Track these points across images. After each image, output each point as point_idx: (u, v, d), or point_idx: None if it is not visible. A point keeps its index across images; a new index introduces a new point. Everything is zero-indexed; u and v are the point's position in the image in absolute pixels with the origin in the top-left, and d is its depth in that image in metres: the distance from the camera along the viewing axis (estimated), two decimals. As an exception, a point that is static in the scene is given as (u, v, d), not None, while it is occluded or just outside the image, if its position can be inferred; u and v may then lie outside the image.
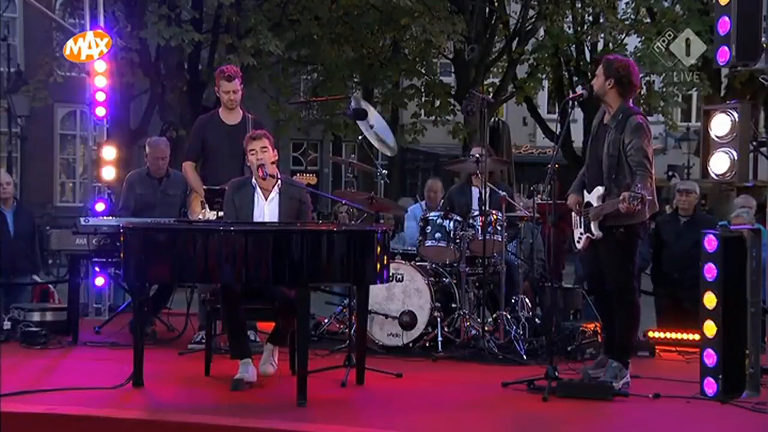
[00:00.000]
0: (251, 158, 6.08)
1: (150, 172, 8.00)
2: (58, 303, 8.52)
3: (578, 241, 6.15)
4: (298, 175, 7.08)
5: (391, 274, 6.34)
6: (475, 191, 7.89)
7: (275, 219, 6.10)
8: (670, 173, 26.18)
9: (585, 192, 6.10)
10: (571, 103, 6.36)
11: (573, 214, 6.20)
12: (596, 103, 6.28)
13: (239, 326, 5.89)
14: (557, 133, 6.31)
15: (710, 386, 5.49)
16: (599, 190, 5.96)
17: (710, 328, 5.37)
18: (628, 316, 6.02)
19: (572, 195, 6.18)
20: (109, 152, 9.06)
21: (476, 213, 7.49)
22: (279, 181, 6.15)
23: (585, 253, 6.20)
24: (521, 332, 7.27)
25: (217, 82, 7.29)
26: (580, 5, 19.10)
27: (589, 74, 19.23)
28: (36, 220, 9.64)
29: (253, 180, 6.17)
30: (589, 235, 6.00)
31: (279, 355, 6.07)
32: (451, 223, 7.42)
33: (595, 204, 5.98)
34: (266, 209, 6.14)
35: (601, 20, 18.87)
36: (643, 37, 17.97)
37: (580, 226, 6.10)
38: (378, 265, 5.60)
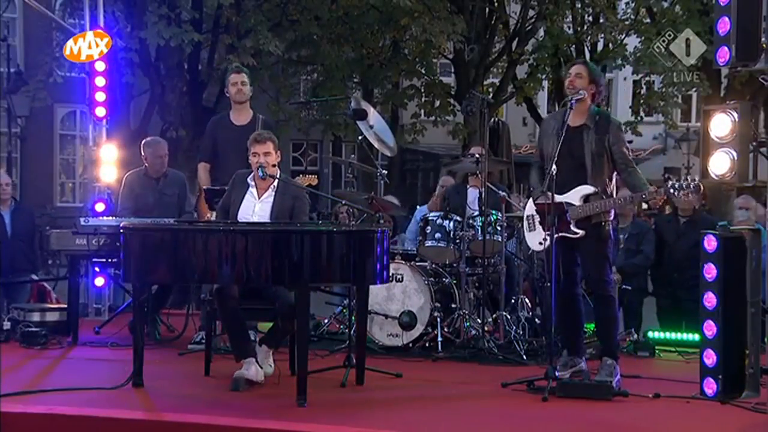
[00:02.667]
0: (252, 159, 6.09)
1: (147, 172, 8.00)
2: (55, 302, 8.52)
3: (540, 243, 6.09)
4: (300, 176, 7.09)
5: (391, 274, 6.34)
6: (471, 191, 7.89)
7: (266, 218, 6.09)
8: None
9: (548, 194, 6.00)
10: (570, 103, 6.34)
11: (529, 217, 6.28)
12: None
13: (238, 326, 5.88)
14: (557, 133, 6.31)
15: (710, 386, 5.50)
16: (586, 188, 6.03)
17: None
18: (610, 310, 6.17)
19: (541, 199, 6.09)
20: (109, 152, 9.06)
21: (475, 213, 7.49)
22: (276, 181, 6.16)
23: (559, 254, 6.19)
24: (521, 332, 7.26)
25: (227, 76, 7.46)
26: (580, 5, 19.10)
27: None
28: (36, 220, 9.65)
29: (250, 178, 6.17)
30: (569, 235, 6.02)
31: (279, 355, 6.07)
32: (451, 224, 7.42)
33: (576, 203, 6.03)
34: (257, 207, 6.14)
35: (601, 20, 18.88)
36: (643, 37, 17.98)
37: (545, 229, 6.03)
38: (378, 265, 5.60)
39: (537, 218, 6.22)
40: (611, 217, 6.17)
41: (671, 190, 5.86)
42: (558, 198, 5.98)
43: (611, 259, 6.26)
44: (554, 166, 5.80)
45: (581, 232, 6.04)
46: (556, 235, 5.94)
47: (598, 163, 6.04)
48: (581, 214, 6.03)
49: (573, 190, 6.05)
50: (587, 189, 6.04)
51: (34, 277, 9.04)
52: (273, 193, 6.17)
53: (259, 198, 6.18)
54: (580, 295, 6.35)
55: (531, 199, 6.35)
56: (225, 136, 7.34)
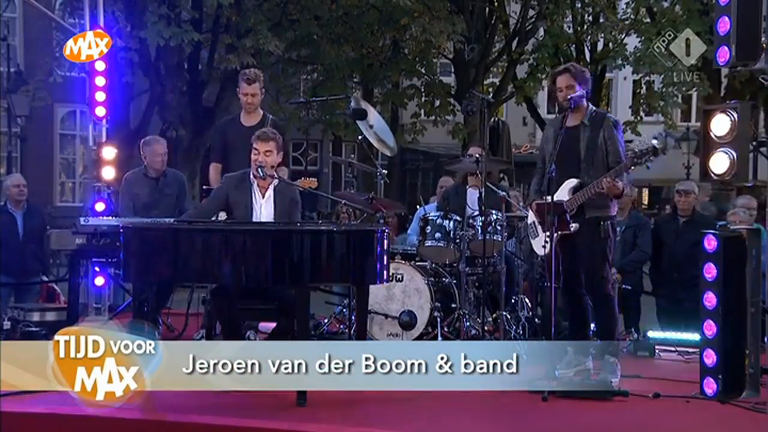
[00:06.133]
0: (253, 156, 6.10)
1: (147, 172, 8.00)
2: (63, 303, 8.52)
3: (543, 246, 6.05)
4: (301, 179, 7.08)
5: (391, 274, 6.34)
6: (470, 192, 7.88)
7: (270, 217, 6.12)
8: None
9: (544, 197, 6.08)
10: (569, 103, 6.36)
11: (531, 224, 6.33)
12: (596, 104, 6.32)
13: (234, 326, 5.88)
14: (557, 133, 6.31)
15: (710, 386, 5.49)
16: (572, 182, 6.07)
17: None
18: (609, 309, 6.20)
19: (536, 203, 6.20)
20: (109, 152, 9.05)
21: (475, 213, 7.48)
22: (276, 180, 6.16)
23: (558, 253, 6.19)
24: (521, 332, 7.26)
25: (239, 83, 7.41)
26: (580, 5, 19.11)
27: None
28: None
29: (251, 177, 6.18)
30: (566, 232, 6.03)
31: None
32: (451, 223, 7.42)
33: (566, 198, 6.06)
34: (263, 208, 6.17)
35: (601, 20, 18.88)
36: (643, 37, 17.98)
37: (545, 230, 6.06)
38: (378, 265, 5.60)
39: (537, 221, 6.26)
40: (611, 214, 6.16)
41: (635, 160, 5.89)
42: (549, 198, 6.03)
43: (610, 258, 6.25)
44: (553, 167, 5.88)
45: (575, 226, 6.05)
46: (555, 234, 5.96)
47: (592, 158, 6.07)
48: (570, 206, 6.05)
49: (560, 187, 6.09)
50: (573, 182, 6.08)
51: (44, 278, 9.07)
52: (273, 192, 6.19)
53: (264, 197, 6.19)
54: (585, 294, 6.32)
55: (530, 207, 6.38)
56: (234, 136, 7.35)
